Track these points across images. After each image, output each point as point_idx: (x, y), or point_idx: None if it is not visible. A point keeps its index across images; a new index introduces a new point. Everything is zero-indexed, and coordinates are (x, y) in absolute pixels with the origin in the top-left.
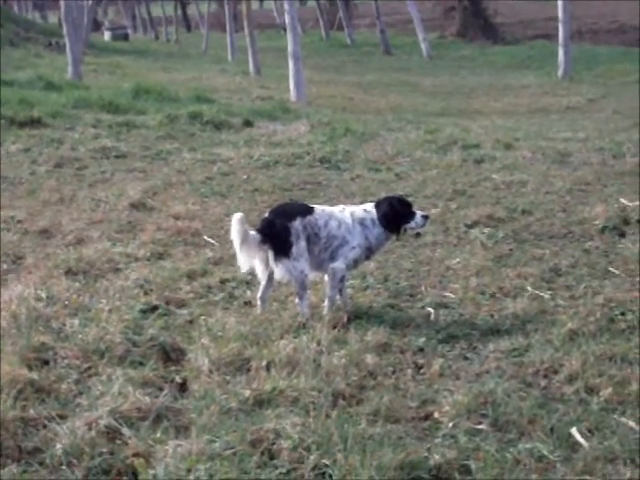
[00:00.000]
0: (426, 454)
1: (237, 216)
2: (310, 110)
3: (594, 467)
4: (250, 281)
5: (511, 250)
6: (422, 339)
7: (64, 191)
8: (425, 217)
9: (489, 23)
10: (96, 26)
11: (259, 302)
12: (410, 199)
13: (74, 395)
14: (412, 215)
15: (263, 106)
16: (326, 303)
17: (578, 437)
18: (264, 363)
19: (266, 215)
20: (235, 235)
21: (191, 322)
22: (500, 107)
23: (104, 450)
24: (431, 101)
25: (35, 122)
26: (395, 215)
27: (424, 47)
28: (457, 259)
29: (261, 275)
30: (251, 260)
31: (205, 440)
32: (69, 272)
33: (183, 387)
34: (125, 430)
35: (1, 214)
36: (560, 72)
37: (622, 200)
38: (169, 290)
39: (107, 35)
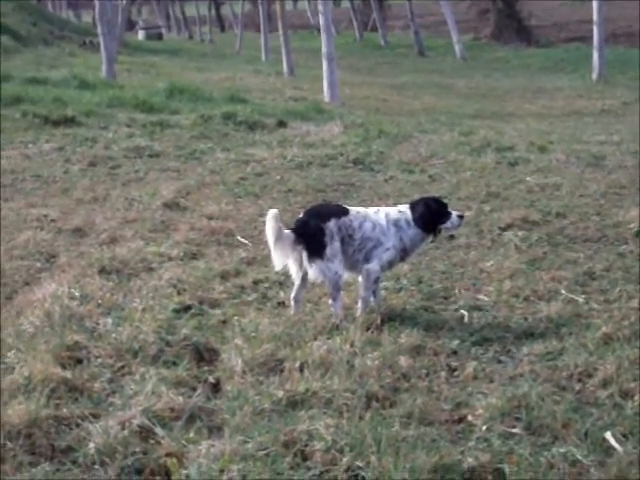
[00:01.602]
0: (459, 457)
1: (272, 212)
2: (344, 111)
3: (628, 472)
4: (283, 282)
5: (545, 253)
6: (456, 342)
7: (98, 190)
8: (460, 217)
9: (523, 25)
10: (130, 25)
11: (293, 303)
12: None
13: (107, 394)
14: (448, 215)
15: (296, 107)
16: (359, 304)
17: (612, 441)
18: (297, 364)
19: (301, 216)
20: (269, 232)
21: (224, 322)
22: (534, 110)
23: (137, 450)
24: (465, 103)
25: (69, 121)
26: (431, 215)
27: (458, 49)
28: (491, 262)
29: (295, 275)
30: (285, 258)
31: (238, 441)
32: (103, 271)
33: (216, 387)
34: (158, 430)
35: (35, 213)
36: (594, 75)
37: None
38: (202, 290)
39: (141, 34)
